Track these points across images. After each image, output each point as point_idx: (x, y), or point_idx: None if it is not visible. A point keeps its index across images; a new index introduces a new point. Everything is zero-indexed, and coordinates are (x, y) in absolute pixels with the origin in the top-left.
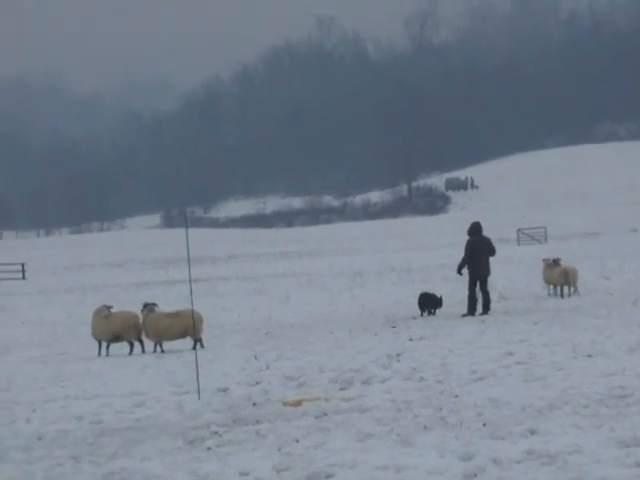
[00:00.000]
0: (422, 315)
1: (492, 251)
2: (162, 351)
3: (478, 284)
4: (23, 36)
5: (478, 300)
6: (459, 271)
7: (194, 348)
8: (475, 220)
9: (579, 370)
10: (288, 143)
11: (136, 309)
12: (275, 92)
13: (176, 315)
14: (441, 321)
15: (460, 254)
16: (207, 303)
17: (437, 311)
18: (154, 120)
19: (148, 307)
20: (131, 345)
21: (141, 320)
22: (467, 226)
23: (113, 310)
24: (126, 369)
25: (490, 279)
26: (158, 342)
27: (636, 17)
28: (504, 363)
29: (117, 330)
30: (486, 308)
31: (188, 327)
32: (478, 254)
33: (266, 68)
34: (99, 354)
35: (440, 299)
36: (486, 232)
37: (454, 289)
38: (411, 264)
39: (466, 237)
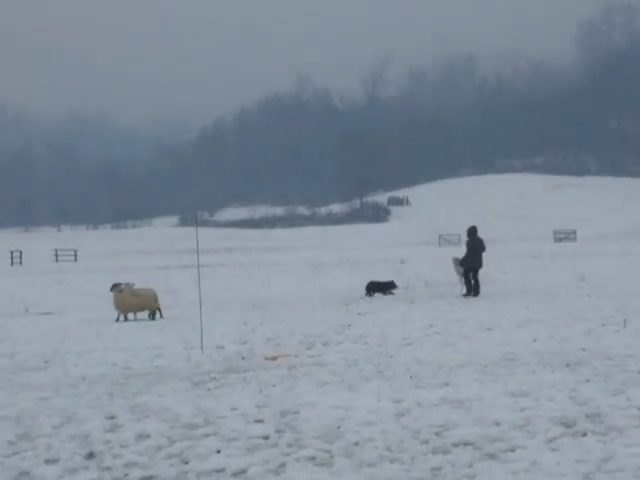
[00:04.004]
0: (367, 296)
1: (484, 248)
2: (125, 320)
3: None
4: (79, 78)
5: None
6: (462, 263)
7: (151, 317)
8: (471, 225)
9: (481, 339)
10: (274, 167)
11: (153, 288)
12: (265, 130)
13: (137, 294)
14: (382, 301)
15: (396, 252)
16: (210, 283)
17: (387, 292)
18: (176, 146)
19: (117, 287)
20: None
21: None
22: (403, 234)
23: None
24: (148, 329)
25: (420, 270)
26: (124, 313)
27: (530, 82)
28: (426, 333)
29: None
30: (477, 292)
31: (146, 302)
32: (476, 250)
33: (259, 112)
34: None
35: (392, 283)
36: (416, 237)
37: (393, 278)
38: (361, 259)
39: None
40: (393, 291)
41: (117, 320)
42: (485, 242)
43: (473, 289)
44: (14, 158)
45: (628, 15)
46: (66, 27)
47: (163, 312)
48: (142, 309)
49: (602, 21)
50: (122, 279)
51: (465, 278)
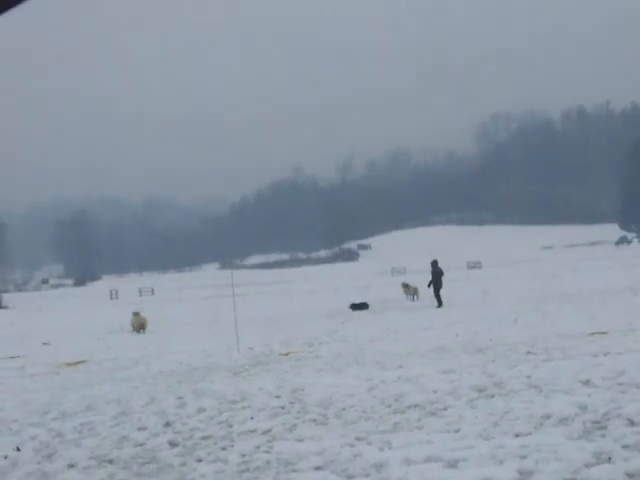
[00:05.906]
0: (353, 311)
1: (443, 274)
2: (138, 332)
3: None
4: (150, 171)
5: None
6: (429, 285)
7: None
8: (433, 259)
9: (421, 336)
10: (280, 228)
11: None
12: (274, 203)
13: (136, 319)
14: (355, 314)
15: (363, 281)
16: (242, 306)
17: (364, 310)
18: (215, 216)
19: (135, 313)
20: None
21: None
22: (368, 268)
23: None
24: (200, 338)
25: (379, 292)
26: (138, 329)
27: (446, 165)
28: (384, 333)
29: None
30: (440, 304)
31: (139, 324)
32: (438, 276)
33: (270, 191)
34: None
35: (366, 304)
36: (376, 270)
37: (360, 299)
38: (340, 286)
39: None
40: (367, 308)
41: (137, 332)
42: (444, 270)
43: (438, 302)
44: (111, 229)
45: (507, 121)
46: (138, 135)
47: (209, 327)
48: (139, 328)
49: (491, 124)
50: (183, 306)
51: (435, 295)
